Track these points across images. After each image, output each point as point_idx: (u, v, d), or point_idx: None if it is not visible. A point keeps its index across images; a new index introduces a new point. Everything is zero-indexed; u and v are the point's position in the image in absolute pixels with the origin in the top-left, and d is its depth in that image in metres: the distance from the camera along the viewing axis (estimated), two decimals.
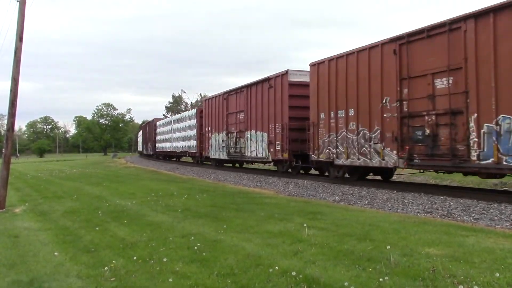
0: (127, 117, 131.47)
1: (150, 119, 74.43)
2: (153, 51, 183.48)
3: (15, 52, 11.87)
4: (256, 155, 19.87)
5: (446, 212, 9.43)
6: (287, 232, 7.26)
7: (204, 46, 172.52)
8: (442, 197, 10.96)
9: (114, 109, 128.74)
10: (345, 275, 4.85)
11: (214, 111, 25.56)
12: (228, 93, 23.41)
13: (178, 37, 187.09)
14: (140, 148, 67.36)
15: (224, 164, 27.12)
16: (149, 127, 50.89)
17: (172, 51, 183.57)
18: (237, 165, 27.13)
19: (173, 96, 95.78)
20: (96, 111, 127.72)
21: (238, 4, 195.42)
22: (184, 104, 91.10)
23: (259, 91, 19.70)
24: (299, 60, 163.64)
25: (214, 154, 25.57)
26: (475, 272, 4.76)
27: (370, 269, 4.99)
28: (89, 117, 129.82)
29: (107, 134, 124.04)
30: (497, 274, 4.65)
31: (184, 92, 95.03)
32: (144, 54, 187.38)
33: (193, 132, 30.16)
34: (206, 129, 27.06)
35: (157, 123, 45.26)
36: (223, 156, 24.03)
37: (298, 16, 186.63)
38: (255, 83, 20.15)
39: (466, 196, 10.79)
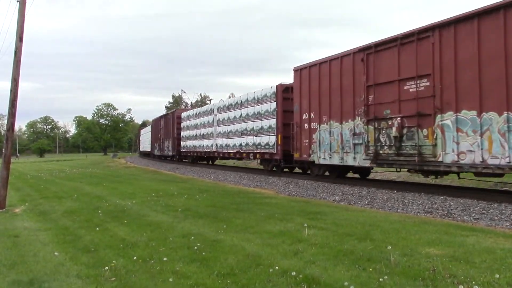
0: (127, 117, 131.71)
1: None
2: (153, 51, 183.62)
3: (15, 52, 11.88)
4: (481, 159, 9.91)
5: (446, 212, 9.43)
6: (287, 232, 7.26)
7: (204, 46, 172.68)
8: (442, 197, 10.97)
9: (114, 109, 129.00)
10: (345, 275, 4.85)
11: (326, 85, 15.08)
12: (374, 48, 13.14)
13: (178, 37, 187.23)
14: (145, 148, 57.54)
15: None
16: (167, 121, 39.39)
17: (172, 51, 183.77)
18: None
19: (173, 96, 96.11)
20: (96, 111, 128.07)
21: (238, 4, 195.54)
22: (184, 104, 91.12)
23: (497, 25, 9.69)
24: (299, 60, 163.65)
25: (325, 156, 15.15)
26: (475, 272, 4.76)
27: (370, 269, 4.99)
28: (89, 117, 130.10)
29: (107, 134, 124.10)
30: (497, 274, 4.64)
31: (184, 92, 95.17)
32: (144, 54, 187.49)
33: (269, 123, 19.30)
34: (304, 117, 16.39)
35: (183, 115, 34.31)
36: (355, 160, 13.86)
37: (298, 15, 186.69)
38: (476, 14, 10.11)
39: (466, 196, 10.79)
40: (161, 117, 44.05)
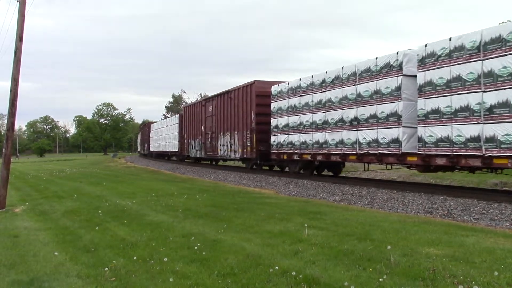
0: (127, 117, 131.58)
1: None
2: (153, 51, 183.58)
3: (15, 52, 11.88)
4: None
5: (446, 212, 9.44)
6: (287, 232, 7.26)
7: (204, 46, 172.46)
8: (442, 197, 10.97)
9: (114, 108, 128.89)
10: (345, 275, 4.85)
11: None
12: None
13: (178, 37, 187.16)
14: (162, 147, 42.40)
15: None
16: (228, 104, 23.51)
17: (172, 51, 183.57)
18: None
19: (173, 96, 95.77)
20: (96, 110, 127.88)
21: (238, 4, 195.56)
22: (184, 104, 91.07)
23: None
24: (299, 60, 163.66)
25: None
26: (475, 272, 4.76)
27: (370, 269, 4.99)
28: (89, 117, 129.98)
29: (107, 134, 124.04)
30: (498, 274, 4.64)
31: (184, 92, 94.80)
32: (144, 54, 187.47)
33: None
34: None
35: (277, 89, 18.76)
36: None
37: (298, 16, 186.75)
38: None
39: (466, 196, 10.79)
40: (207, 99, 27.56)
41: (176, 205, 10.97)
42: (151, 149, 49.31)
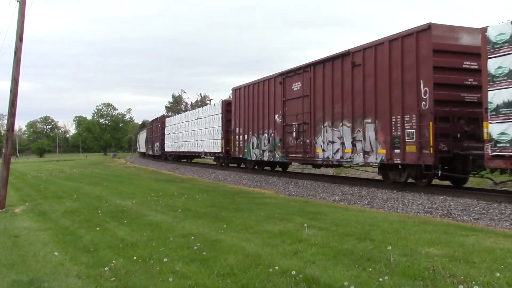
0: (127, 117, 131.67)
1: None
2: (153, 51, 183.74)
3: (15, 52, 11.88)
4: None
5: (446, 212, 9.44)
6: (287, 232, 7.26)
7: (204, 46, 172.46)
8: (442, 197, 10.97)
9: (114, 109, 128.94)
10: (345, 274, 4.85)
11: None
12: None
13: (178, 37, 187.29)
14: (185, 146, 33.08)
15: None
16: (390, 56, 12.42)
17: (172, 51, 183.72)
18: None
19: (173, 96, 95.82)
20: (96, 111, 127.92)
21: (238, 4, 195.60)
22: (184, 104, 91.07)
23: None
24: (299, 60, 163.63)
25: None
26: (475, 272, 4.76)
27: (370, 269, 4.99)
28: (89, 117, 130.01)
29: (107, 134, 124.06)
30: (497, 274, 4.64)
31: (184, 92, 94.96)
32: (144, 54, 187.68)
33: None
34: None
35: None
36: None
37: (297, 16, 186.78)
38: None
39: (466, 196, 10.80)
40: (289, 73, 17.88)
41: (176, 205, 10.97)
42: (166, 149, 39.49)
